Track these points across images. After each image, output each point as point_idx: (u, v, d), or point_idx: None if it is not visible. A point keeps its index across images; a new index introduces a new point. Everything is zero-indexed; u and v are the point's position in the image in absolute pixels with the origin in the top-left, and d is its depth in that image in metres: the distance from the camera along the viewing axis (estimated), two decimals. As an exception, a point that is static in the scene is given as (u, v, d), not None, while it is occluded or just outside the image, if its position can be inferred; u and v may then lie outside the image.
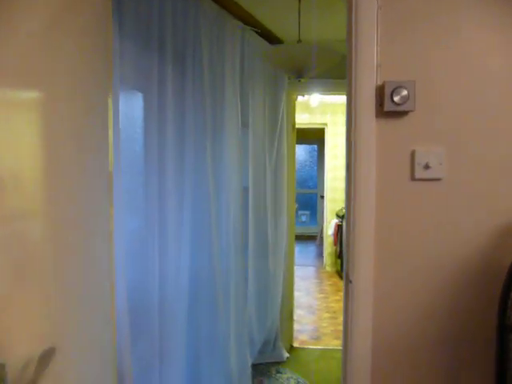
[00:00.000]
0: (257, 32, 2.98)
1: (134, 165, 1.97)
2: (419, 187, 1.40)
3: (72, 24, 1.15)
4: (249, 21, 2.80)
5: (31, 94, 1.02)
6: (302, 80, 2.46)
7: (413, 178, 1.40)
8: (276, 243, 3.53)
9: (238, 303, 2.84)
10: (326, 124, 6.46)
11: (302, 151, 9.46)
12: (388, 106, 1.36)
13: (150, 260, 2.01)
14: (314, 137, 8.35)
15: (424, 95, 1.38)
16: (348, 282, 1.43)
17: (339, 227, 5.72)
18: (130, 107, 1.93)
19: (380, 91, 1.38)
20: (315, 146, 9.48)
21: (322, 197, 7.18)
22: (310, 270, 6.40)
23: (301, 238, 8.59)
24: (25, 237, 0.98)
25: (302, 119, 6.17)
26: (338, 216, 5.99)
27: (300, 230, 8.91)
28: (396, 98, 1.35)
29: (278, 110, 3.47)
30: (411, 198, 1.40)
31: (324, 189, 6.69)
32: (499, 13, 1.36)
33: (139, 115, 2.00)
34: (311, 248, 8.12)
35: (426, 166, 1.38)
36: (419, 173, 1.39)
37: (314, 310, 4.53)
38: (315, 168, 9.52)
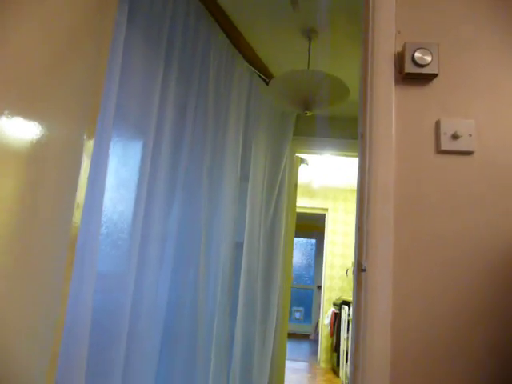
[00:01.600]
0: (263, 79, 2.99)
1: (119, 208, 1.74)
2: (446, 160, 1.19)
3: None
4: (254, 60, 2.81)
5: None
6: (309, 113, 2.36)
7: (438, 151, 1.19)
8: (267, 311, 3.14)
9: (218, 364, 2.41)
10: (326, 209, 6.33)
11: (298, 246, 9.20)
12: (409, 68, 1.21)
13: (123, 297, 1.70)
14: (313, 229, 8.19)
15: (450, 60, 1.24)
16: (360, 270, 1.14)
17: (336, 316, 5.25)
18: (122, 154, 1.76)
19: (399, 56, 1.25)
20: (313, 241, 9.25)
21: (319, 287, 6.77)
22: (303, 365, 5.74)
23: (294, 337, 7.93)
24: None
25: (303, 203, 6.07)
26: (335, 305, 5.54)
27: (293, 328, 8.28)
28: (418, 59, 1.21)
29: (280, 167, 3.34)
30: (437, 173, 1.18)
31: (322, 278, 6.32)
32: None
33: (130, 163, 1.80)
34: (305, 346, 7.43)
35: (454, 136, 1.19)
36: (446, 144, 1.19)
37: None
38: (312, 264, 9.17)
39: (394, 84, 1.24)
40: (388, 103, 1.22)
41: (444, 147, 1.18)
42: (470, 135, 1.19)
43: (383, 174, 1.17)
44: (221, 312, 2.44)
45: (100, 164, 1.48)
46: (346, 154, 3.47)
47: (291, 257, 3.52)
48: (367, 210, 1.15)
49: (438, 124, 1.20)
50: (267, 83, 3.01)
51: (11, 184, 0.93)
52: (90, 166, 1.19)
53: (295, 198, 3.55)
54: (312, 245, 9.34)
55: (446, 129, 1.19)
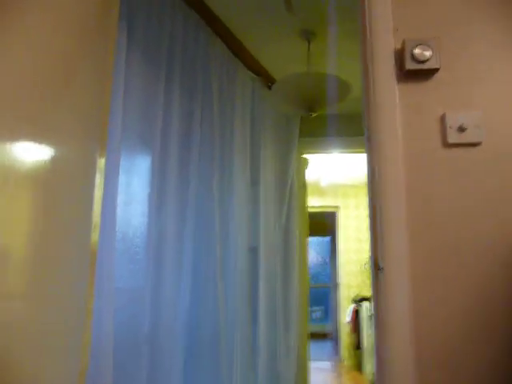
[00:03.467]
0: (265, 84, 3.01)
1: (133, 223, 1.76)
2: (455, 154, 1.19)
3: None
4: (255, 66, 2.82)
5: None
6: (314, 114, 2.37)
7: (445, 144, 1.19)
8: (288, 315, 3.13)
9: (244, 374, 2.41)
10: (337, 207, 6.32)
11: (313, 245, 9.19)
12: (410, 65, 1.22)
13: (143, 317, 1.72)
14: (326, 228, 8.17)
15: (451, 52, 1.24)
16: (377, 269, 1.14)
17: (357, 312, 5.24)
18: (132, 170, 1.77)
19: (399, 53, 1.25)
20: (328, 238, 9.23)
21: (336, 285, 6.75)
22: (327, 365, 5.73)
23: (315, 336, 7.91)
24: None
25: (313, 202, 6.06)
26: (354, 301, 5.53)
27: (314, 329, 8.26)
28: (418, 55, 1.21)
29: (289, 169, 3.35)
30: (447, 168, 1.18)
31: (338, 276, 6.30)
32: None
33: (140, 179, 1.83)
34: (327, 345, 7.41)
35: (461, 129, 1.19)
36: (453, 137, 1.19)
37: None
38: (328, 262, 9.14)
39: (396, 81, 1.24)
40: (391, 102, 1.22)
41: (451, 140, 1.18)
42: (477, 126, 1.19)
43: (392, 175, 1.17)
44: (242, 321, 2.44)
45: (111, 181, 1.51)
46: (353, 151, 3.47)
47: (307, 258, 3.52)
48: (380, 211, 1.15)
49: (443, 118, 1.21)
50: (270, 88, 3.03)
51: (30, 206, 0.97)
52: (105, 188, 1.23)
53: (305, 198, 3.55)
54: (326, 242, 9.32)
55: (452, 122, 1.19)
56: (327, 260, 9.20)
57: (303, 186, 3.52)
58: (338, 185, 6.05)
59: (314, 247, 9.29)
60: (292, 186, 3.36)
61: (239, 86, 2.65)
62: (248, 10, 2.28)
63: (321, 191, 6.14)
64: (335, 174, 5.45)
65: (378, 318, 1.10)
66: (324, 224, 7.58)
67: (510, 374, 1.04)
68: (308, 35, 2.46)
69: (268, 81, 3.01)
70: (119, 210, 1.57)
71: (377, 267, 1.14)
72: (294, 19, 2.32)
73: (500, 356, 1.06)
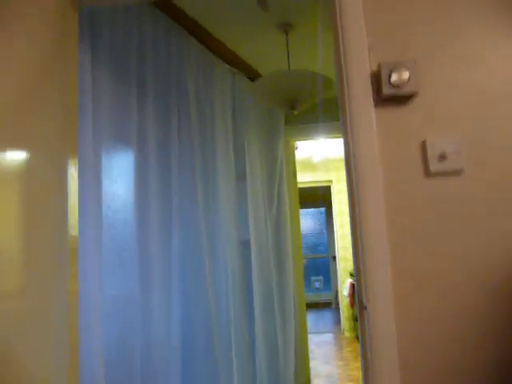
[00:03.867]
0: (247, 76, 2.91)
1: (115, 225, 1.75)
2: (437, 182, 1.15)
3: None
4: (235, 61, 2.72)
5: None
6: (295, 112, 2.30)
7: (428, 173, 1.15)
8: (282, 302, 3.17)
9: (242, 367, 2.45)
10: (330, 181, 6.29)
11: (309, 216, 9.22)
12: (387, 90, 1.16)
13: (133, 320, 1.73)
14: (320, 199, 8.17)
15: (429, 75, 1.18)
16: (362, 308, 1.13)
17: (353, 286, 5.31)
18: (109, 165, 1.75)
19: (375, 76, 1.19)
20: (322, 209, 9.26)
21: (334, 258, 6.83)
22: (328, 337, 5.86)
23: (316, 306, 8.07)
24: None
25: (306, 178, 6.03)
26: (352, 275, 5.59)
27: (314, 298, 8.41)
28: (395, 80, 1.15)
29: (276, 158, 3.30)
30: (429, 198, 1.14)
31: (335, 249, 6.35)
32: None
33: (119, 173, 1.82)
34: (327, 315, 7.57)
35: (442, 157, 1.14)
36: (434, 165, 1.15)
37: (334, 380, 4.01)
38: (325, 231, 9.21)
39: (373, 106, 1.19)
40: (369, 130, 1.17)
41: (433, 169, 1.14)
42: (458, 153, 1.14)
43: (373, 207, 1.14)
44: (237, 314, 2.46)
45: (92, 189, 1.51)
46: (337, 135, 3.41)
47: (300, 247, 3.53)
48: (362, 248, 1.12)
49: (423, 145, 1.16)
50: (252, 79, 2.93)
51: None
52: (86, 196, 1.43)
53: (296, 187, 3.52)
54: (322, 213, 9.36)
55: (433, 149, 1.15)
56: (323, 230, 9.27)
57: (293, 175, 3.48)
58: (330, 160, 6.00)
59: (310, 219, 9.33)
60: (281, 175, 3.31)
61: (218, 82, 2.57)
62: (222, 7, 2.17)
63: (313, 167, 6.09)
64: (327, 150, 5.40)
65: (366, 362, 1.09)
66: (317, 196, 7.58)
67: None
68: (286, 28, 2.35)
69: (250, 73, 2.91)
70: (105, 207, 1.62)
71: (362, 306, 1.12)
72: (270, 13, 2.21)
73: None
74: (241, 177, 2.82)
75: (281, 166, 3.31)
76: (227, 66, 2.68)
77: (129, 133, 1.84)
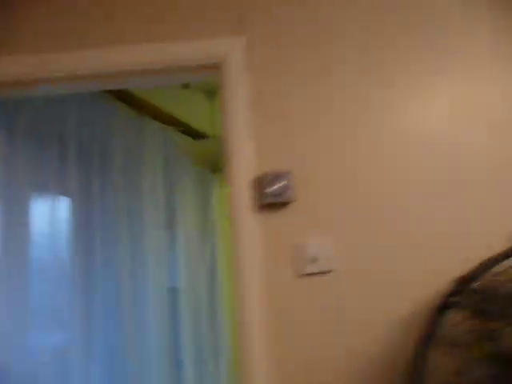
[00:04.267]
0: (181, 131, 3.02)
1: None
2: (309, 282, 1.29)
3: None
4: (171, 121, 2.83)
5: None
6: (216, 174, 2.44)
7: (300, 274, 1.30)
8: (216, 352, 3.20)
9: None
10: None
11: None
12: (264, 199, 1.30)
13: None
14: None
15: (304, 185, 1.33)
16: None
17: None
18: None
19: (257, 184, 1.33)
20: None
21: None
22: None
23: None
24: None
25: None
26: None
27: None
28: (273, 190, 1.30)
29: (209, 206, 3.39)
30: (301, 297, 1.29)
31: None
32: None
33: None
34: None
35: (314, 259, 1.29)
36: (306, 267, 1.29)
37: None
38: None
39: (255, 212, 1.32)
40: (251, 234, 1.31)
41: (305, 271, 1.29)
42: (328, 255, 1.30)
43: (254, 307, 1.27)
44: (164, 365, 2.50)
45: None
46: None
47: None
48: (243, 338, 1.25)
49: (298, 248, 1.31)
50: (184, 132, 3.05)
51: None
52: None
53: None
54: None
55: (305, 253, 1.30)
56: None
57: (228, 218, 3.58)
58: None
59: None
60: (215, 221, 3.41)
61: (148, 138, 2.66)
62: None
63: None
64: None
65: None
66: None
67: None
68: (211, 95, 2.50)
69: (182, 127, 3.02)
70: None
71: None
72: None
73: None
74: (171, 225, 2.90)
75: (214, 213, 3.40)
76: (159, 124, 2.77)
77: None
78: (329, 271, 1.30)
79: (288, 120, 1.38)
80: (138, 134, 2.57)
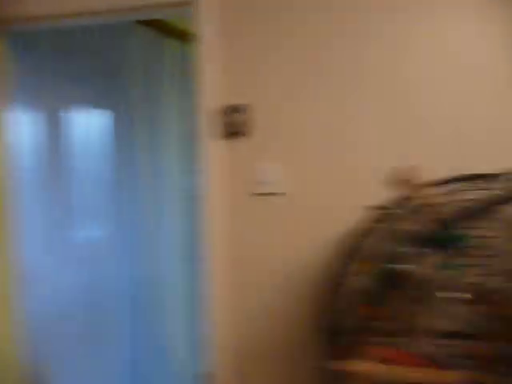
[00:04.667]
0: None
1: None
2: (262, 201, 1.55)
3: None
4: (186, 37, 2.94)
5: None
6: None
7: (254, 193, 1.55)
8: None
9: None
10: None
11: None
12: (226, 128, 1.52)
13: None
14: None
15: (263, 117, 1.53)
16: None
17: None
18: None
19: (221, 114, 1.53)
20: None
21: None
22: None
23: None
24: None
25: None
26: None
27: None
28: (234, 120, 1.50)
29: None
30: (252, 210, 1.55)
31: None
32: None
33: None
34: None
35: (266, 182, 1.53)
36: (260, 187, 1.54)
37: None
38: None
39: (218, 139, 1.55)
40: (214, 158, 1.55)
41: (256, 191, 1.54)
42: (279, 179, 1.52)
43: (216, 219, 1.55)
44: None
45: None
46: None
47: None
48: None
49: (253, 171, 1.54)
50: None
51: None
52: None
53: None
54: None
55: (259, 175, 1.53)
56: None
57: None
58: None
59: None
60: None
61: (166, 53, 2.82)
62: None
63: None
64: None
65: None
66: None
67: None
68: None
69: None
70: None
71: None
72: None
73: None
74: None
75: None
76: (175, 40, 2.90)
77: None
78: (276, 193, 1.54)
79: (253, 57, 1.53)
80: (157, 49, 2.74)
